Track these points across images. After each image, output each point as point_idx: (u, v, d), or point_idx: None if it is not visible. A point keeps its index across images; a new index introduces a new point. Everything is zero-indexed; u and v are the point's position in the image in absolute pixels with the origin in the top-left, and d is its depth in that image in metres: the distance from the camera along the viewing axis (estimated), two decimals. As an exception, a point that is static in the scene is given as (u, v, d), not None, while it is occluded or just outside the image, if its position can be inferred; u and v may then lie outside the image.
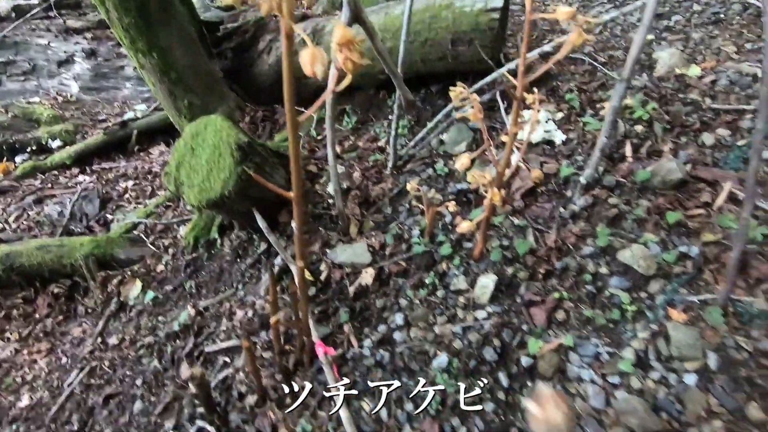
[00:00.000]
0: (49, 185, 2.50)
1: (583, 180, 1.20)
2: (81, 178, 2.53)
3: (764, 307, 0.92)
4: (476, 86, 1.37)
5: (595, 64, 1.55)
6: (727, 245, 1.02)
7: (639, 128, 1.32)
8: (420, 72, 1.64)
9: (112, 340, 1.52)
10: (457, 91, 0.96)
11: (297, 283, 0.97)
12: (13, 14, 2.84)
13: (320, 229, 1.43)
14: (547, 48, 1.33)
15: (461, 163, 1.00)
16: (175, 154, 1.30)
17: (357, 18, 1.09)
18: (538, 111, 0.97)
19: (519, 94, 0.92)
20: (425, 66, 1.58)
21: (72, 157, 2.57)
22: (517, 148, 1.37)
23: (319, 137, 1.79)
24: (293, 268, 1.28)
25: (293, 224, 0.85)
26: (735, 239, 0.92)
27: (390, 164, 1.52)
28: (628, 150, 1.29)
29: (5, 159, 2.64)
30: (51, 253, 1.68)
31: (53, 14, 2.86)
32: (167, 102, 1.90)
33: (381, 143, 1.66)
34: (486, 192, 1.00)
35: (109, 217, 2.21)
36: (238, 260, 1.53)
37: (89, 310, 1.68)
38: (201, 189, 1.24)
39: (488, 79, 1.32)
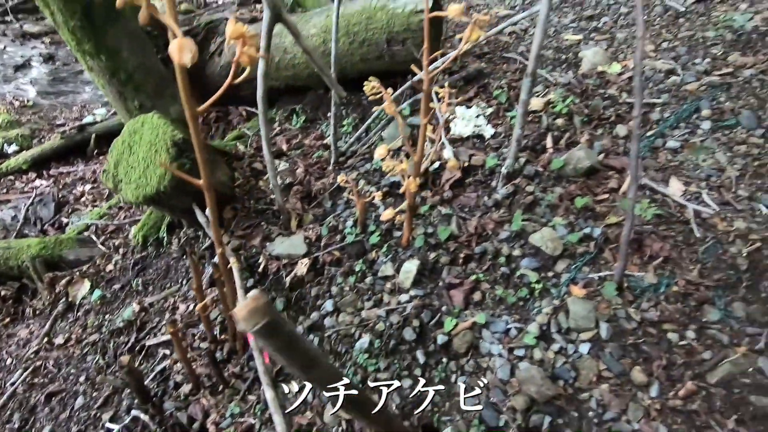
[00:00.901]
0: (4, 190, 2.48)
1: (504, 170, 1.27)
2: (38, 182, 2.52)
3: (653, 281, 1.00)
4: (407, 84, 1.44)
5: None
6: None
7: (560, 121, 1.40)
8: (361, 71, 1.70)
9: (58, 340, 1.53)
10: (370, 86, 1.03)
11: (220, 270, 1.01)
12: (-33, 19, 2.82)
13: (262, 223, 1.47)
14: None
15: (379, 153, 1.06)
16: (114, 152, 1.33)
17: (278, 18, 1.14)
18: (449, 104, 1.03)
19: (426, 88, 0.99)
20: (365, 65, 1.65)
21: (28, 162, 2.55)
22: (448, 142, 1.45)
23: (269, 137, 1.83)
24: (231, 260, 1.32)
25: (207, 212, 0.89)
26: (626, 220, 1.00)
27: (332, 160, 1.57)
28: (549, 142, 1.37)
29: (-41, 165, 2.60)
30: (-3, 256, 1.68)
31: (9, 18, 2.85)
32: (118, 104, 1.91)
33: (327, 141, 1.72)
34: (404, 181, 1.07)
35: (65, 220, 2.21)
36: (185, 257, 1.56)
37: (37, 312, 1.68)
38: (138, 185, 1.27)
39: (416, 78, 1.39)
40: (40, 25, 2.83)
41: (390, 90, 1.05)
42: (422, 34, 1.48)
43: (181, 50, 0.59)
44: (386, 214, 1.11)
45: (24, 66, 2.81)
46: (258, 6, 2.30)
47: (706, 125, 1.31)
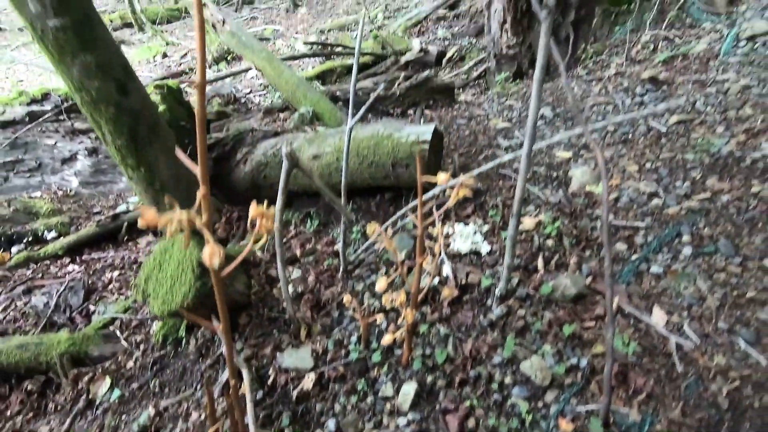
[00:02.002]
0: (40, 275, 2.67)
1: (497, 292, 1.38)
2: (70, 267, 2.71)
3: (637, 419, 1.05)
4: (409, 205, 1.60)
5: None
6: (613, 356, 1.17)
7: (550, 242, 1.52)
8: (371, 185, 1.88)
9: (76, 440, 1.60)
10: (371, 229, 1.17)
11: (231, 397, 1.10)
12: (27, 118, 3.19)
13: (274, 331, 1.58)
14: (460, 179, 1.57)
15: (379, 286, 1.18)
16: (145, 269, 1.49)
17: (296, 165, 1.33)
18: (438, 242, 1.16)
19: (420, 233, 1.12)
20: (374, 181, 1.83)
21: (64, 248, 2.76)
22: (447, 258, 1.57)
23: (284, 240, 2.00)
24: (244, 372, 1.42)
25: (220, 332, 1.01)
26: (607, 355, 1.07)
27: (341, 269, 1.70)
28: (540, 263, 1.48)
29: (2, 249, 2.83)
30: (29, 352, 1.81)
31: (63, 117, 3.22)
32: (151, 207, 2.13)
33: (337, 247, 1.86)
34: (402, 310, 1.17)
35: (92, 308, 2.36)
36: (201, 360, 1.66)
37: (59, 407, 1.77)
38: (164, 301, 1.41)
39: (410, 205, 1.54)
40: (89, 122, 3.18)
41: (389, 231, 1.19)
42: (424, 162, 1.66)
43: (212, 257, 0.74)
44: (386, 339, 1.21)
45: (71, 159, 3.13)
46: (282, 115, 2.58)
47: (688, 251, 1.41)
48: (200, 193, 0.81)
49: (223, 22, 2.69)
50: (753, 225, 1.42)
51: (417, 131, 1.66)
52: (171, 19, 9.26)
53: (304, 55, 4.18)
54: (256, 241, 0.94)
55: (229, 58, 5.99)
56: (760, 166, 1.60)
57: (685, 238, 1.44)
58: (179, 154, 0.83)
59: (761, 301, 1.23)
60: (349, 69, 4.38)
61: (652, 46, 2.65)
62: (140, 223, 0.72)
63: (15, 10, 1.67)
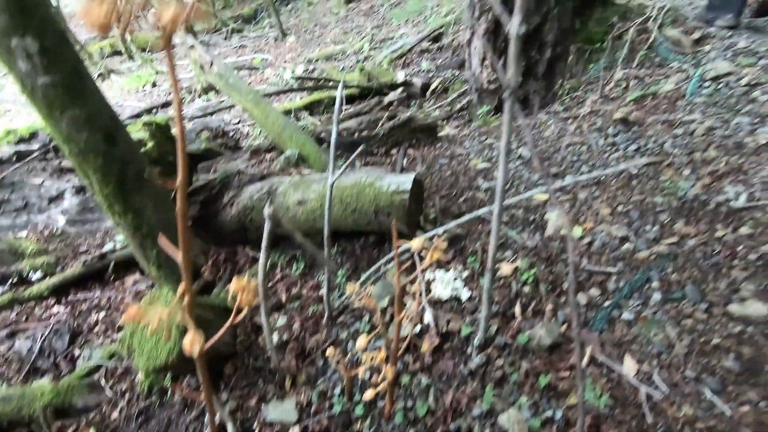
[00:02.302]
0: (24, 318, 2.65)
1: (476, 342, 1.42)
2: (56, 309, 2.69)
3: (610, 473, 1.09)
4: (387, 257, 1.64)
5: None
6: (585, 408, 1.21)
7: (527, 289, 1.57)
8: (354, 230, 1.93)
9: (59, 497, 1.58)
10: (350, 289, 1.21)
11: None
12: (15, 158, 3.21)
13: (259, 381, 1.59)
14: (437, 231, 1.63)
15: (359, 344, 1.21)
16: (131, 323, 1.50)
17: (278, 224, 1.37)
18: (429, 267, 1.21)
19: (398, 294, 1.17)
20: (357, 227, 1.88)
21: (50, 289, 2.75)
22: (429, 305, 1.61)
23: (269, 284, 2.02)
24: (229, 427, 1.43)
25: (202, 387, 1.03)
26: (579, 411, 1.11)
27: (326, 316, 1.73)
28: (517, 310, 1.53)
29: (-14, 291, 2.81)
30: (12, 404, 1.80)
31: (50, 156, 3.24)
32: (138, 252, 2.15)
33: (322, 292, 1.89)
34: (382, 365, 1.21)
35: (77, 352, 2.34)
36: (186, 411, 1.66)
37: (41, 462, 1.75)
38: (149, 357, 1.43)
39: (388, 256, 1.59)
40: (77, 160, 3.20)
41: (371, 289, 1.23)
42: (403, 210, 1.72)
43: (193, 344, 0.77)
44: (368, 394, 1.24)
45: (58, 197, 3.14)
46: (268, 155, 2.64)
47: (657, 296, 1.47)
48: (181, 287, 0.85)
49: (211, 64, 2.76)
50: (718, 270, 1.49)
51: (397, 181, 1.72)
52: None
53: (291, 89, 4.27)
54: (238, 313, 0.99)
55: (218, 89, 6.05)
56: (723, 209, 1.68)
57: (655, 283, 1.50)
58: (162, 241, 0.88)
59: (726, 347, 1.29)
60: (334, 101, 4.46)
61: (624, 84, 2.78)
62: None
63: (5, 67, 1.71)
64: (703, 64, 2.62)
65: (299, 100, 4.64)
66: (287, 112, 4.68)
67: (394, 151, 2.56)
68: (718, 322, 1.35)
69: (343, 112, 4.24)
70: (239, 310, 0.96)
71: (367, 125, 2.55)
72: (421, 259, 1.05)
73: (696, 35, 2.92)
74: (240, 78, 2.70)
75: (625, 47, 2.98)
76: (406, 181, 1.70)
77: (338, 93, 1.39)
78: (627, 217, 1.78)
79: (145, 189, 2.10)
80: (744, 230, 1.58)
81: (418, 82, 4.25)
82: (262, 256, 1.42)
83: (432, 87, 4.27)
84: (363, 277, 1.71)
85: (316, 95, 4.54)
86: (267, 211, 1.33)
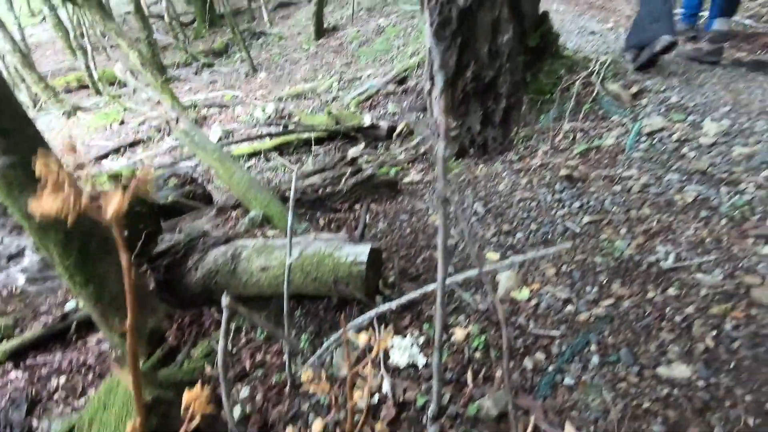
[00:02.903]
0: (-21, 386, 2.56)
1: (429, 413, 1.49)
2: (13, 374, 2.62)
3: None
4: (337, 334, 1.71)
5: (455, 290, 1.95)
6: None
7: (478, 354, 1.67)
8: (315, 295, 2.00)
9: None
10: (306, 376, 1.27)
11: None
12: (-28, 215, 3.14)
13: (222, 458, 1.61)
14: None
15: (315, 430, 1.27)
16: (90, 410, 1.51)
17: (235, 312, 1.43)
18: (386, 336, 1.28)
19: (349, 382, 1.24)
20: (318, 294, 1.94)
21: (7, 354, 2.68)
22: (386, 373, 1.68)
23: (233, 350, 2.05)
24: None
25: None
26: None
27: (288, 385, 1.77)
28: (469, 376, 1.61)
29: (-62, 358, 2.70)
30: (-36, 492, 1.74)
31: (9, 212, 3.18)
32: (101, 321, 2.14)
33: (286, 357, 1.94)
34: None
35: (35, 423, 2.28)
36: (147, 490, 1.65)
37: None
38: (108, 446, 1.44)
39: (338, 334, 1.67)
40: (38, 215, 3.16)
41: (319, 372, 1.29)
42: (360, 280, 1.80)
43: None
44: (325, 477, 1.29)
45: (18, 255, 3.08)
46: (234, 213, 2.69)
47: (595, 360, 1.58)
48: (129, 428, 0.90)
49: (177, 120, 2.82)
50: (648, 332, 1.62)
51: (355, 252, 1.81)
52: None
53: (259, 136, 4.35)
54: (190, 420, 1.03)
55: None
56: (654, 270, 1.84)
57: (593, 347, 1.62)
58: (114, 370, 0.93)
59: (654, 411, 1.40)
60: (305, 141, 4.57)
61: (571, 136, 2.98)
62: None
63: (-37, 149, 1.72)
64: (640, 119, 2.85)
65: (269, 140, 4.73)
66: (257, 153, 4.75)
67: (357, 206, 2.66)
68: (648, 385, 1.47)
69: (310, 158, 4.34)
70: (191, 418, 1.01)
71: (331, 181, 2.64)
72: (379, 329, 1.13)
73: (634, 89, 3.18)
74: (205, 135, 2.76)
75: (572, 100, 3.21)
76: (362, 252, 1.78)
77: (293, 183, 1.47)
78: (570, 277, 1.91)
79: (107, 258, 2.11)
80: (671, 291, 1.73)
81: (384, 125, 4.41)
82: (221, 342, 1.46)
83: (398, 130, 4.43)
84: (324, 346, 1.77)
85: (286, 137, 4.64)
86: (224, 300, 1.39)
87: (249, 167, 4.73)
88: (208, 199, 3.70)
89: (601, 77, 3.31)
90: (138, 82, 3.17)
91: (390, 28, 7.09)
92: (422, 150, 4.02)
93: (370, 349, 1.17)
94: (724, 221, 1.98)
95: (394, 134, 4.41)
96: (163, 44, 11.29)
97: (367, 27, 7.81)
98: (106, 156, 5.78)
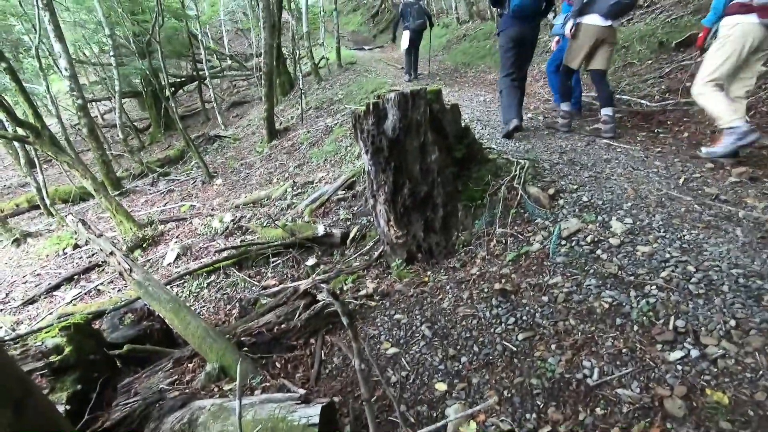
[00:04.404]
0: None
1: None
2: None
3: None
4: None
5: None
6: None
7: (433, 507, 1.74)
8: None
9: None
10: None
11: None
12: None
13: None
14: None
15: None
16: None
17: None
18: None
19: None
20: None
21: None
22: None
23: None
24: None
25: None
26: None
27: None
28: None
29: None
30: None
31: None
32: None
33: None
34: None
35: None
36: None
37: None
38: None
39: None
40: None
41: None
42: None
43: None
44: None
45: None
46: (190, 365, 2.72)
47: (540, 497, 1.69)
48: None
49: (130, 271, 2.91)
50: (583, 460, 1.76)
51: (307, 414, 1.90)
52: (85, 197, 9.32)
53: (216, 263, 4.47)
54: None
55: (145, 246, 6.11)
56: (582, 388, 2.02)
57: (537, 482, 1.73)
58: None
59: None
60: (263, 254, 4.72)
61: (504, 241, 3.28)
62: None
63: None
64: (559, 221, 3.20)
65: (227, 254, 4.83)
66: (216, 269, 4.82)
67: (313, 340, 2.76)
68: None
69: (269, 271, 4.45)
70: None
71: (285, 317, 2.76)
72: None
73: (551, 190, 3.59)
74: (160, 284, 2.86)
75: (500, 204, 3.57)
76: (314, 414, 1.88)
77: (237, 403, 1.59)
78: (511, 404, 2.06)
79: None
80: (599, 410, 1.91)
81: (337, 232, 4.65)
82: None
83: (351, 236, 4.67)
84: None
85: (244, 250, 4.77)
86: None
87: (209, 283, 4.78)
88: (166, 335, 3.69)
89: (522, 181, 3.72)
90: (90, 234, 3.28)
91: (337, 128, 7.65)
92: (376, 254, 4.25)
93: None
94: (636, 327, 2.23)
95: (348, 240, 4.64)
96: (119, 152, 11.51)
97: (317, 127, 8.37)
98: (58, 287, 5.67)
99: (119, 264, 3.11)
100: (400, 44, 9.68)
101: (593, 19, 4.45)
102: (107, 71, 12.65)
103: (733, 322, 2.09)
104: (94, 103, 15.16)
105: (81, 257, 6.31)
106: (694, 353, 2.00)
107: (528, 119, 5.65)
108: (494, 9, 6.60)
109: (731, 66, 3.85)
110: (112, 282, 5.50)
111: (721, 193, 3.43)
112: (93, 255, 6.26)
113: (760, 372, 1.85)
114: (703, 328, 2.10)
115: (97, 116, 15.03)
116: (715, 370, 1.92)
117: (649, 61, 6.96)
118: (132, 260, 3.09)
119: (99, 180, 6.63)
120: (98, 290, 5.33)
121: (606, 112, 4.82)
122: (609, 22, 4.45)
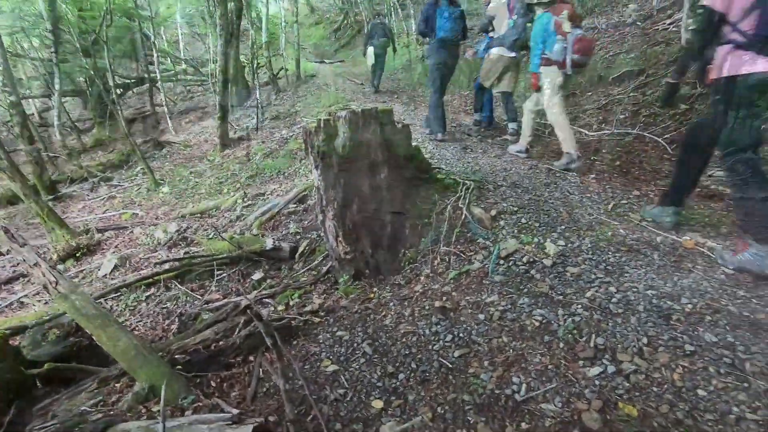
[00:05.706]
0: None
1: None
2: None
3: None
4: None
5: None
6: None
7: None
8: (202, 482, 1.96)
9: None
10: None
11: None
12: None
13: None
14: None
15: None
16: None
17: None
18: None
19: None
20: (204, 481, 1.91)
21: None
22: None
23: None
24: None
25: None
26: None
27: None
28: None
29: None
30: None
31: None
32: None
33: None
34: None
35: None
36: None
37: None
38: None
39: None
40: None
41: None
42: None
43: None
44: None
45: None
46: (118, 385, 2.57)
47: None
48: None
49: (56, 283, 2.73)
50: (507, 474, 1.84)
51: (237, 436, 1.85)
52: (13, 200, 8.63)
53: (156, 275, 4.28)
54: None
55: (79, 255, 5.77)
56: (510, 404, 2.12)
57: (463, 497, 1.79)
58: None
59: None
60: (208, 267, 4.57)
61: (447, 259, 3.39)
62: None
63: None
64: (499, 241, 3.36)
65: (168, 266, 4.65)
66: (156, 282, 4.61)
67: (252, 357, 2.70)
68: None
69: (213, 284, 4.33)
70: None
71: (224, 333, 2.69)
72: None
73: (493, 212, 3.76)
74: (88, 298, 2.69)
75: (446, 223, 3.69)
76: (245, 437, 1.84)
77: (161, 426, 1.53)
78: (444, 420, 2.12)
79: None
80: (524, 425, 2.00)
81: (286, 246, 4.59)
82: None
83: (300, 250, 4.63)
84: None
85: (187, 262, 4.61)
86: None
87: (148, 297, 4.55)
88: (97, 352, 3.47)
89: (467, 201, 3.87)
90: (11, 243, 3.04)
91: (293, 141, 7.60)
92: (324, 269, 4.23)
93: None
94: (561, 345, 2.38)
95: (297, 255, 4.60)
96: (55, 154, 10.76)
97: (272, 138, 8.28)
98: (-25, 301, 5.17)
99: (44, 276, 2.91)
100: (367, 59, 10.83)
101: (501, 50, 5.78)
102: (48, 67, 11.85)
103: (645, 340, 2.28)
104: (30, 100, 14.12)
105: (3, 266, 5.81)
106: (611, 369, 2.16)
107: (453, 127, 7.00)
108: (422, 38, 8.09)
109: None
110: (38, 294, 5.10)
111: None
112: (18, 264, 5.78)
113: (665, 386, 2.03)
114: (619, 346, 2.28)
115: (33, 113, 13.98)
116: (628, 384, 2.08)
117: (589, 93, 7.52)
118: (59, 272, 2.90)
119: (31, 183, 6.18)
120: (21, 303, 4.93)
121: (512, 126, 6.16)
122: (513, 54, 5.73)
